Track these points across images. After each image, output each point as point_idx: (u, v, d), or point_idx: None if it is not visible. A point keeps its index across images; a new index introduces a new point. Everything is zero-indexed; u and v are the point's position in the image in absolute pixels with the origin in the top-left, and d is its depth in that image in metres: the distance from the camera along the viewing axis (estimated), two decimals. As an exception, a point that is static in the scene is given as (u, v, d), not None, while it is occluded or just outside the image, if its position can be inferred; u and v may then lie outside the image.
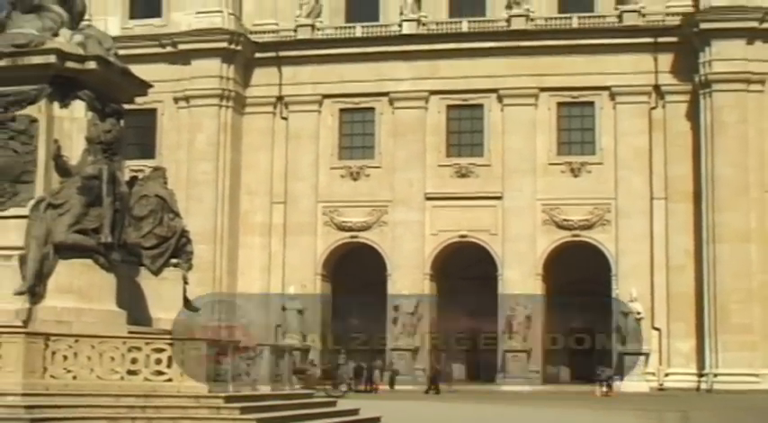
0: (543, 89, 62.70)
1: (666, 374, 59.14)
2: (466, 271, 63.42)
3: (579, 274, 61.73)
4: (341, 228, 64.32)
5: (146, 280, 24.51)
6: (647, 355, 58.37)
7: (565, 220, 61.50)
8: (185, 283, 25.66)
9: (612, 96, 61.97)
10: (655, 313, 59.30)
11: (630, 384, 57.17)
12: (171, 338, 21.51)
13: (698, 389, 57.47)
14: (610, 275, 60.60)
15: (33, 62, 23.07)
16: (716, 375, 56.25)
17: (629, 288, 58.90)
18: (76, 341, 20.48)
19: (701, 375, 57.72)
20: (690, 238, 59.48)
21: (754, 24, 58.97)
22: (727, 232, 57.30)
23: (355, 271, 64.38)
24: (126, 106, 25.28)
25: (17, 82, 23.08)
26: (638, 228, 60.51)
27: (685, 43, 60.65)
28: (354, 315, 65.61)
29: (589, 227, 61.37)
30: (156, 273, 24.53)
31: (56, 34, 23.70)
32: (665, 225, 60.18)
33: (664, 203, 60.45)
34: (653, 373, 58.81)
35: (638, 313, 57.89)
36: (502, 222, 62.17)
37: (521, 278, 61.08)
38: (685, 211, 59.84)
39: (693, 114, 60.21)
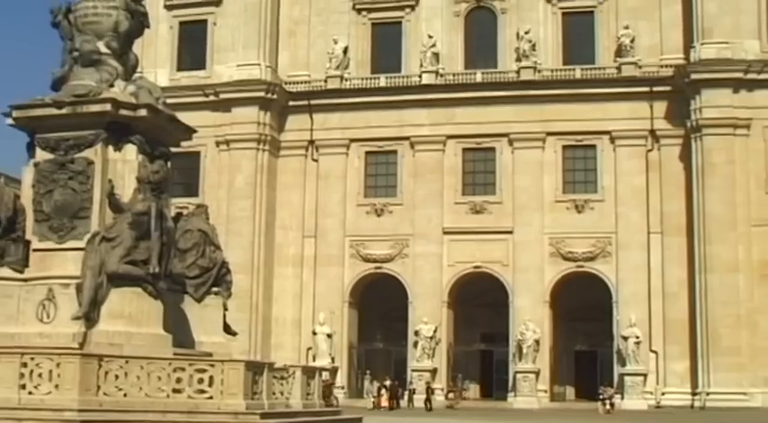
0: (550, 134, 62.63)
1: (663, 393, 58.68)
2: (480, 299, 63.23)
3: (583, 302, 61.49)
4: (366, 259, 64.24)
5: (189, 306, 24.59)
6: (645, 375, 58.11)
7: (570, 252, 61.35)
8: (225, 309, 25.76)
9: (612, 140, 61.92)
10: (652, 337, 59.02)
11: (630, 402, 56.99)
12: (212, 360, 21.64)
13: (692, 406, 57.00)
14: (611, 302, 60.29)
15: (91, 110, 23.21)
16: (708, 394, 55.97)
17: (628, 314, 58.70)
18: (127, 362, 20.50)
19: (694, 394, 57.29)
20: (683, 268, 59.26)
21: (739, 75, 59.00)
22: (717, 263, 57.12)
23: (379, 299, 64.20)
24: (173, 149, 25.32)
25: (77, 128, 23.25)
26: (637, 259, 60.29)
27: (678, 92, 60.68)
28: (378, 339, 65.64)
29: (592, 258, 61.20)
30: (199, 300, 24.67)
31: (111, 85, 23.85)
32: (660, 257, 59.96)
33: (660, 237, 60.24)
34: (651, 392, 58.38)
35: (637, 337, 57.76)
36: (512, 254, 62.03)
37: (530, 305, 60.77)
38: (679, 243, 59.62)
39: (686, 156, 60.13)
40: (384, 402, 57.82)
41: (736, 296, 56.77)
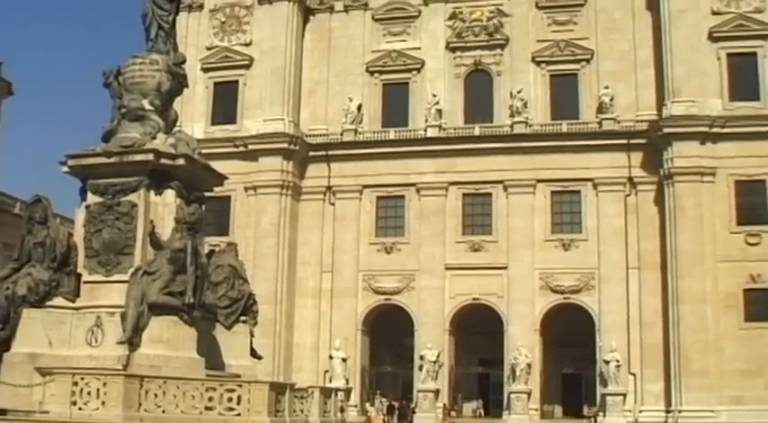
0: (539, 180, 62.51)
1: (640, 411, 58.22)
2: (478, 327, 62.92)
3: (569, 330, 61.13)
4: (377, 292, 64.07)
5: (220, 333, 24.73)
6: (624, 395, 57.57)
7: (557, 285, 61.13)
8: (252, 335, 25.91)
9: (595, 186, 61.87)
10: (631, 361, 58.60)
11: (611, 420, 56.48)
12: (240, 381, 21.72)
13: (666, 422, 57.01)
14: (594, 330, 60.00)
15: (136, 159, 23.53)
16: (680, 411, 55.58)
17: (609, 341, 58.37)
18: (165, 382, 20.69)
19: (668, 411, 56.85)
20: (658, 300, 58.94)
21: (705, 129, 59.01)
22: (688, 295, 56.93)
23: (388, 327, 63.98)
24: (206, 194, 25.63)
25: (123, 175, 23.55)
26: (617, 292, 60.05)
27: (652, 144, 60.66)
28: (388, 362, 65.43)
29: (577, 291, 60.94)
30: (229, 327, 24.81)
31: (154, 137, 24.16)
32: (638, 289, 59.72)
33: (637, 272, 60.01)
34: (629, 410, 57.88)
35: (617, 361, 57.34)
36: (507, 287, 61.81)
37: (522, 333, 60.51)
38: (654, 278, 59.36)
39: (660, 200, 60.00)
40: (377, 421, 57.40)
41: (704, 324, 56.53)
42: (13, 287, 23.35)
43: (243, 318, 25.44)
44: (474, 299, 62.50)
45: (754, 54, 60.45)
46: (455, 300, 62.84)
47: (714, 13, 61.03)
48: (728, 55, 60.56)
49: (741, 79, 60.13)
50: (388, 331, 64.23)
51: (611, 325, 59.52)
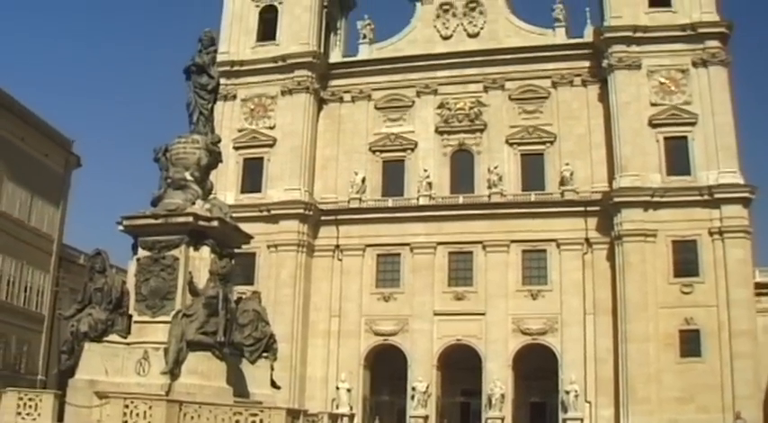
0: (512, 241, 62.55)
1: (596, 434, 58.09)
2: (460, 363, 62.33)
3: (536, 365, 60.67)
4: (377, 333, 63.77)
5: (245, 367, 24.68)
6: (582, 420, 57.16)
7: (527, 328, 60.92)
8: (272, 369, 25.82)
9: (558, 246, 61.91)
10: (587, 391, 58.22)
11: (572, 440, 56.32)
12: (262, 407, 21.71)
13: (617, 443, 56.56)
14: (557, 366, 59.65)
15: (178, 221, 23.70)
16: (629, 433, 55.41)
17: (570, 374, 58.19)
18: (200, 407, 20.72)
19: (618, 433, 56.73)
20: (610, 340, 58.71)
21: (647, 199, 59.34)
22: (634, 336, 56.80)
23: (386, 363, 63.60)
24: (236, 250, 25.70)
25: (167, 233, 23.69)
26: (576, 333, 59.84)
27: (605, 211, 60.88)
28: (385, 393, 64.89)
29: (543, 333, 60.72)
30: (253, 362, 24.76)
31: (193, 203, 24.33)
32: (593, 331, 59.50)
33: (593, 317, 59.84)
34: (586, 433, 57.80)
35: (576, 391, 57.11)
36: (485, 330, 61.53)
37: (497, 368, 60.21)
38: (607, 321, 59.17)
39: (611, 257, 60.00)
40: None
41: (647, 360, 56.30)
42: (77, 325, 23.50)
43: (265, 354, 25.36)
44: (457, 340, 62.17)
45: (685, 137, 60.92)
46: (442, 340, 62.47)
47: (653, 105, 61.75)
48: (665, 138, 61.11)
49: (675, 158, 60.58)
50: (385, 366, 63.84)
51: (571, 361, 59.23)
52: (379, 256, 65.64)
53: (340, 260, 65.89)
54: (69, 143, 67.85)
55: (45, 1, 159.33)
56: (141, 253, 24.02)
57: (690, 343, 56.90)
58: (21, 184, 60.59)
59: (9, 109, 59.56)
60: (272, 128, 68.71)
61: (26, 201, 61.55)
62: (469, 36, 69.09)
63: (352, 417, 57.73)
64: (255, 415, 20.67)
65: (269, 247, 64.18)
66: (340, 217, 66.36)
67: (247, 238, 26.47)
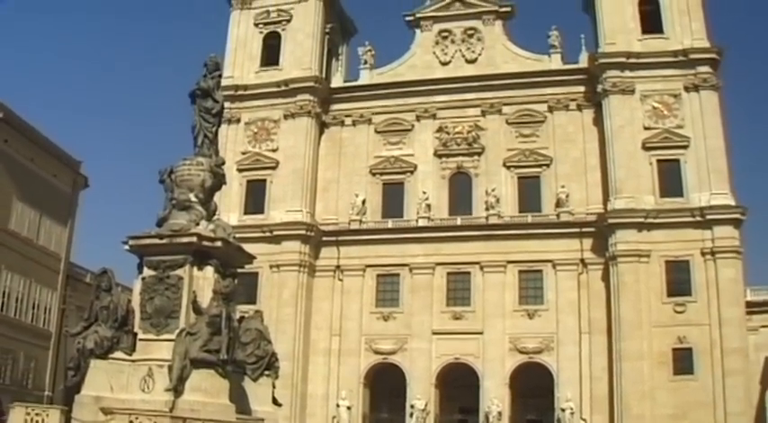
0: (509, 262, 62.63)
1: (591, 450, 57.94)
2: (458, 381, 62.34)
3: (533, 383, 60.60)
4: (376, 352, 63.72)
5: (248, 384, 24.48)
6: (578, 437, 57.42)
7: (524, 347, 60.90)
8: (273, 387, 25.61)
9: (554, 266, 61.99)
10: (582, 408, 58.13)
11: (568, 457, 56.16)
12: (262, 423, 21.69)
13: (612, 459, 56.40)
14: (553, 384, 59.59)
15: (182, 241, 23.57)
16: (623, 449, 55.26)
17: (565, 392, 58.07)
18: (203, 423, 20.75)
19: (613, 450, 56.59)
20: (605, 358, 58.69)
21: (641, 220, 59.63)
22: (628, 354, 56.85)
23: (386, 381, 63.47)
24: (239, 270, 25.61)
25: (172, 253, 23.57)
26: (572, 352, 59.84)
27: (599, 232, 61.12)
28: (385, 410, 64.70)
29: (540, 352, 60.69)
30: (255, 380, 24.59)
31: (197, 224, 24.23)
32: (589, 350, 59.49)
33: (588, 336, 59.84)
34: (582, 450, 57.65)
35: (572, 409, 56.99)
36: (482, 349, 61.48)
37: (494, 386, 60.14)
38: (602, 340, 59.21)
39: (606, 277, 60.20)
40: None
41: (641, 378, 56.34)
42: (83, 342, 23.45)
43: (267, 372, 25.17)
44: (455, 358, 62.11)
45: (678, 160, 61.37)
46: (440, 359, 62.42)
47: (646, 128, 62.16)
48: (658, 161, 61.52)
49: (668, 180, 60.95)
50: (385, 384, 63.68)
51: (566, 379, 59.18)
52: (378, 276, 65.66)
53: (341, 280, 65.93)
54: (77, 164, 68.17)
55: (55, 25, 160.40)
56: (146, 272, 23.95)
57: (683, 361, 56.93)
58: (30, 203, 60.90)
59: (19, 130, 60.00)
60: (274, 150, 69.03)
61: (35, 220, 61.83)
62: (468, 62, 69.61)
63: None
64: (257, 431, 20.70)
65: (271, 267, 64.17)
66: (341, 238, 66.45)
67: (250, 258, 26.32)
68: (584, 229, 61.99)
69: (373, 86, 70.60)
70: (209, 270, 23.93)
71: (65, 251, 65.97)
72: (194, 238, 23.61)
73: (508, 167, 65.72)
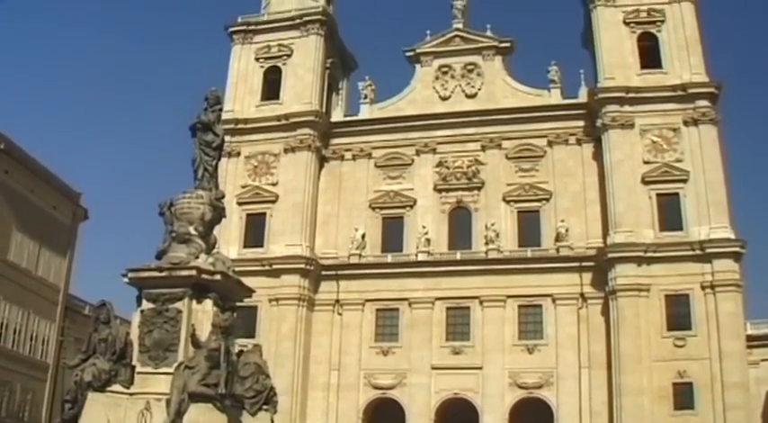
0: (509, 296, 62.56)
1: (591, 482, 57.49)
2: (457, 417, 61.92)
3: (533, 419, 60.11)
4: (375, 387, 63.41)
5: (246, 418, 24.20)
6: (578, 469, 56.97)
7: (523, 382, 60.64)
8: (272, 421, 25.55)
9: (554, 301, 61.91)
10: (583, 444, 58.08)
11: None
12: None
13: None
14: (553, 419, 59.29)
15: (182, 274, 23.48)
16: (624, 480, 54.80)
17: (566, 427, 57.97)
18: (200, 454, 20.63)
19: (614, 480, 56.13)
20: (605, 392, 58.46)
21: (641, 254, 59.64)
22: (629, 389, 56.59)
23: (385, 416, 62.98)
24: (238, 303, 25.58)
25: (171, 286, 23.49)
26: (572, 387, 59.58)
27: (599, 266, 61.10)
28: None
29: (539, 387, 60.41)
30: (253, 414, 24.38)
31: (197, 257, 24.18)
32: (588, 385, 59.21)
33: (588, 370, 59.60)
34: (581, 481, 57.21)
35: (572, 444, 57.00)
36: (482, 384, 61.23)
37: (494, 422, 59.90)
38: (602, 375, 58.97)
39: (606, 312, 60.09)
40: None
41: (641, 413, 56.01)
42: (81, 374, 23.34)
43: (265, 406, 24.95)
44: (455, 393, 61.83)
45: (677, 194, 61.61)
46: (439, 394, 62.13)
47: (645, 163, 62.45)
48: (657, 195, 61.75)
49: (668, 214, 61.09)
50: (384, 420, 63.23)
51: (566, 415, 58.91)
52: (378, 310, 65.55)
53: (340, 314, 65.82)
54: (77, 196, 68.44)
55: (55, 61, 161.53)
56: (145, 305, 23.86)
57: (683, 395, 56.70)
58: (29, 234, 61.05)
59: (20, 161, 60.35)
60: (274, 184, 69.28)
61: (34, 251, 61.94)
62: (467, 97, 70.11)
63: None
64: (255, 466, 20.57)
65: (270, 300, 64.12)
66: (340, 272, 66.43)
67: (249, 291, 26.21)
68: (583, 264, 62.00)
69: (373, 121, 71.03)
70: (209, 303, 23.85)
71: (63, 283, 66.03)
72: (194, 272, 23.55)
73: (508, 202, 65.89)
